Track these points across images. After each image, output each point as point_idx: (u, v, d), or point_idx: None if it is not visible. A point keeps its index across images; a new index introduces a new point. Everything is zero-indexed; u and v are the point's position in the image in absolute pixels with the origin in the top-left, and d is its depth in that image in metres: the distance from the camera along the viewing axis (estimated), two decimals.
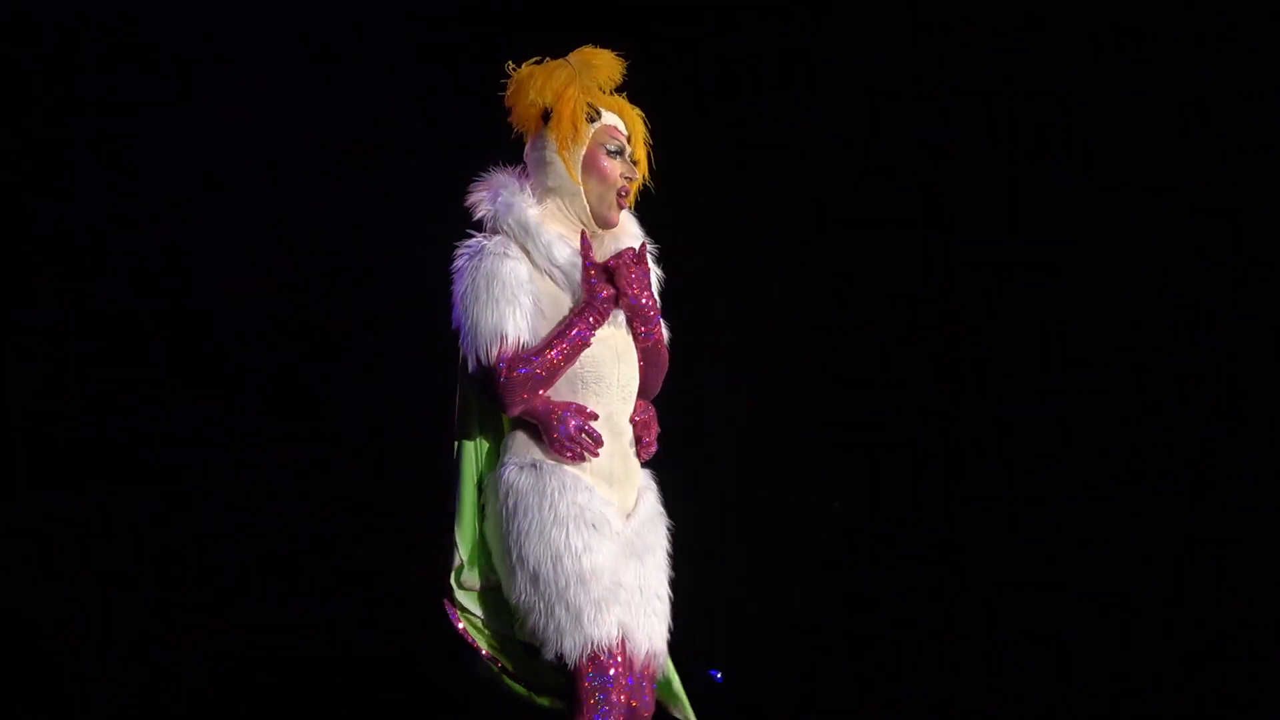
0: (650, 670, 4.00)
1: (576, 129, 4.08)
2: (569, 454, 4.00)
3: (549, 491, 3.98)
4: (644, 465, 4.21)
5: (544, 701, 4.11)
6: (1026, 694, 5.79)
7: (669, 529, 4.18)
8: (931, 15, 5.96)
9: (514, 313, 3.99)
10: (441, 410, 5.94)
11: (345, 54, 5.93)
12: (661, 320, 4.19)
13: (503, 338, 3.96)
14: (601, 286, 4.03)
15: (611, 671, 3.89)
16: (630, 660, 3.92)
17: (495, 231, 4.08)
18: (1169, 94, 5.84)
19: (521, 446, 4.05)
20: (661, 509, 4.20)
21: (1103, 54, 5.89)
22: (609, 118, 4.14)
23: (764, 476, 6.06)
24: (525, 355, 3.97)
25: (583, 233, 4.10)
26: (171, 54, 5.83)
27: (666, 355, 4.22)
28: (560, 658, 3.88)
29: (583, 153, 4.11)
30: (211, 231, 5.81)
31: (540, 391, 4.00)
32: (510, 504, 4.00)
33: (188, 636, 5.65)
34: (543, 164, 4.13)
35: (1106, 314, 5.89)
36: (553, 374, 4.00)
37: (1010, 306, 5.96)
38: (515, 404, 3.99)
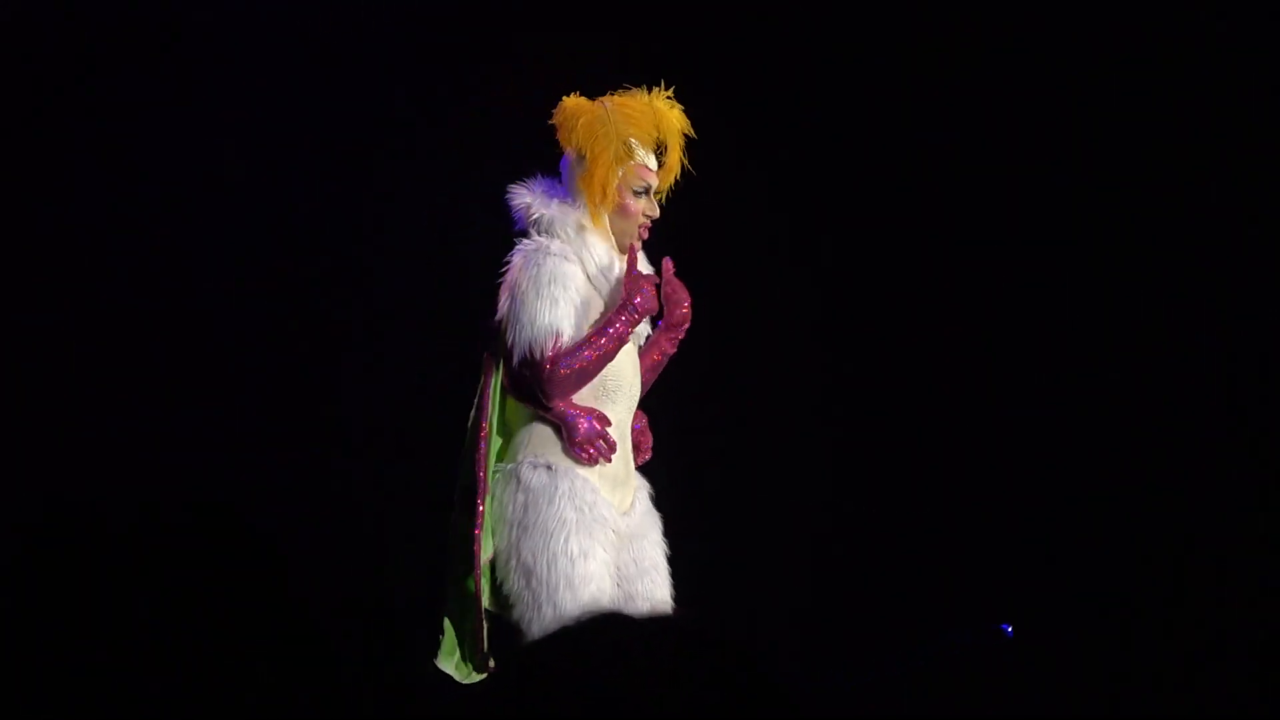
0: None
1: (605, 193, 4.28)
2: (585, 456, 4.21)
3: (559, 494, 4.20)
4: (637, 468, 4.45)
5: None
6: (1026, 694, 5.79)
7: (661, 529, 4.42)
8: (930, 14, 5.96)
9: (570, 312, 4.19)
10: (438, 410, 5.96)
11: (345, 54, 5.93)
12: None
13: (557, 335, 4.17)
14: (639, 293, 4.22)
15: None
16: None
17: (549, 234, 4.27)
18: (1168, 94, 5.84)
19: (539, 445, 4.26)
20: (652, 506, 4.44)
21: (1102, 54, 5.89)
22: (640, 155, 4.33)
23: (762, 476, 6.06)
24: (570, 350, 4.17)
25: (631, 243, 4.31)
26: (172, 53, 5.82)
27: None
28: None
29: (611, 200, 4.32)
30: (211, 231, 5.81)
31: (581, 386, 4.21)
32: (520, 500, 4.21)
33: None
34: (577, 193, 4.32)
35: (1107, 314, 5.89)
36: (593, 370, 4.20)
37: (1011, 306, 5.96)
38: (558, 397, 4.19)
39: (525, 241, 4.29)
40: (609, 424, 4.26)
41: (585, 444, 4.21)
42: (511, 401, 4.30)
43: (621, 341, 4.23)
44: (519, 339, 4.18)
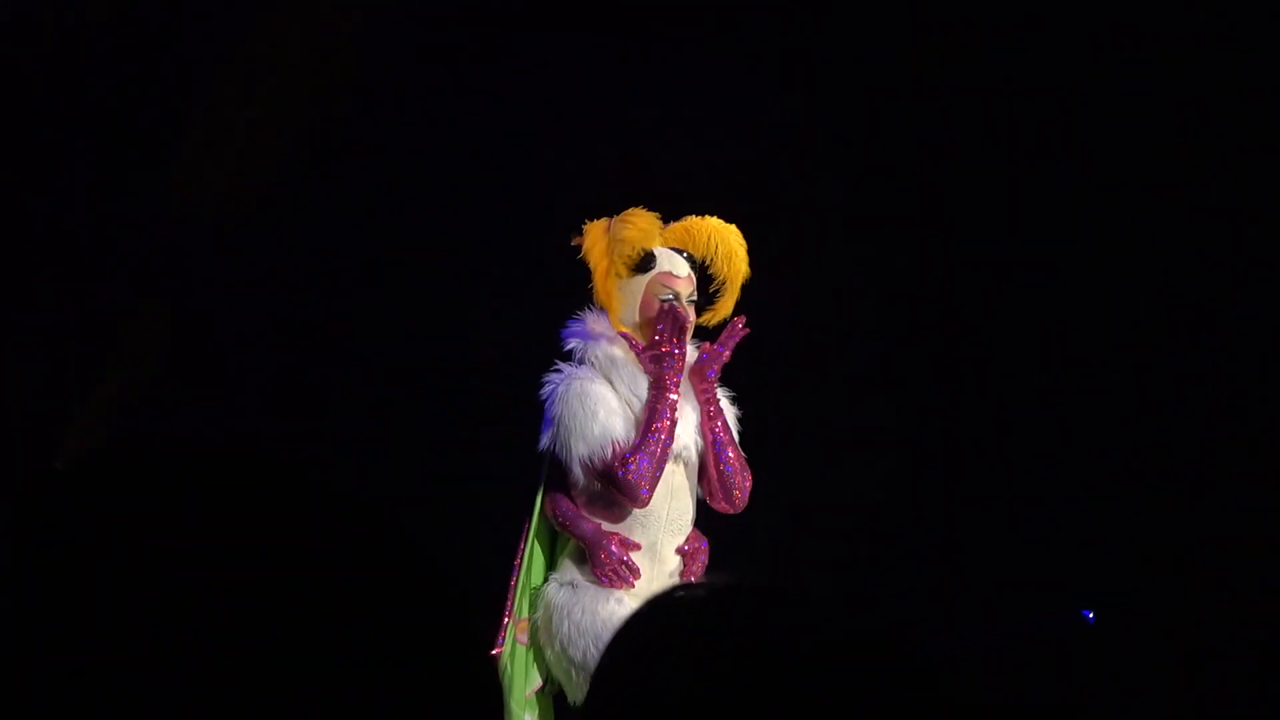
0: None
1: (610, 303, 4.40)
2: (605, 581, 4.33)
3: (578, 606, 4.32)
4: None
5: None
6: (1030, 693, 5.78)
7: None
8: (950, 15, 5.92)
9: (615, 419, 4.30)
10: (438, 413, 5.95)
11: (346, 51, 5.91)
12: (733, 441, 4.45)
13: (614, 441, 4.27)
14: (658, 367, 4.31)
15: None
16: None
17: (582, 363, 4.40)
18: (1163, 94, 5.83)
19: (566, 567, 4.40)
20: None
21: (1117, 53, 5.86)
22: (664, 263, 4.42)
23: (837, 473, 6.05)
24: (634, 448, 4.27)
25: (628, 335, 4.39)
26: (173, 55, 5.80)
27: (738, 473, 4.45)
28: None
29: (635, 304, 4.42)
30: (215, 231, 5.80)
31: (659, 473, 4.28)
32: (547, 617, 4.35)
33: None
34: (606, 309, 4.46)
35: (1113, 314, 5.88)
36: (664, 455, 4.27)
37: (1031, 305, 5.94)
38: (642, 495, 4.28)
39: (551, 375, 4.41)
40: (636, 548, 4.35)
41: (606, 567, 4.31)
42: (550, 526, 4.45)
43: (673, 418, 4.30)
44: (577, 459, 4.30)
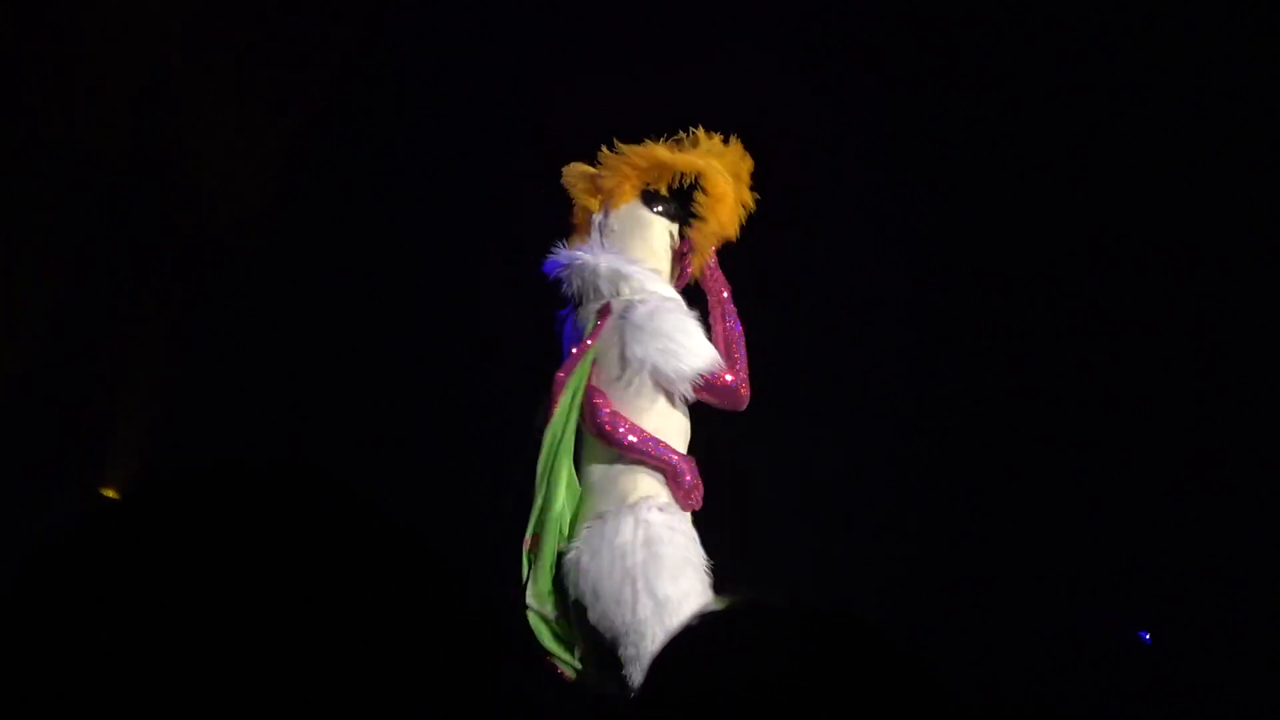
0: None
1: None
2: (690, 504, 4.43)
3: (676, 532, 4.37)
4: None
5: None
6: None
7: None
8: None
9: None
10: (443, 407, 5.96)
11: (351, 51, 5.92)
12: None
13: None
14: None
15: None
16: None
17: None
18: (1176, 93, 5.80)
19: (641, 500, 4.40)
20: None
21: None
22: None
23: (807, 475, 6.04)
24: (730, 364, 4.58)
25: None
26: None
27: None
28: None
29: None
30: (225, 242, 5.83)
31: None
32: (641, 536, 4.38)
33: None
34: None
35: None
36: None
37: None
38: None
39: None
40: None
41: (693, 491, 4.41)
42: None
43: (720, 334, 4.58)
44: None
